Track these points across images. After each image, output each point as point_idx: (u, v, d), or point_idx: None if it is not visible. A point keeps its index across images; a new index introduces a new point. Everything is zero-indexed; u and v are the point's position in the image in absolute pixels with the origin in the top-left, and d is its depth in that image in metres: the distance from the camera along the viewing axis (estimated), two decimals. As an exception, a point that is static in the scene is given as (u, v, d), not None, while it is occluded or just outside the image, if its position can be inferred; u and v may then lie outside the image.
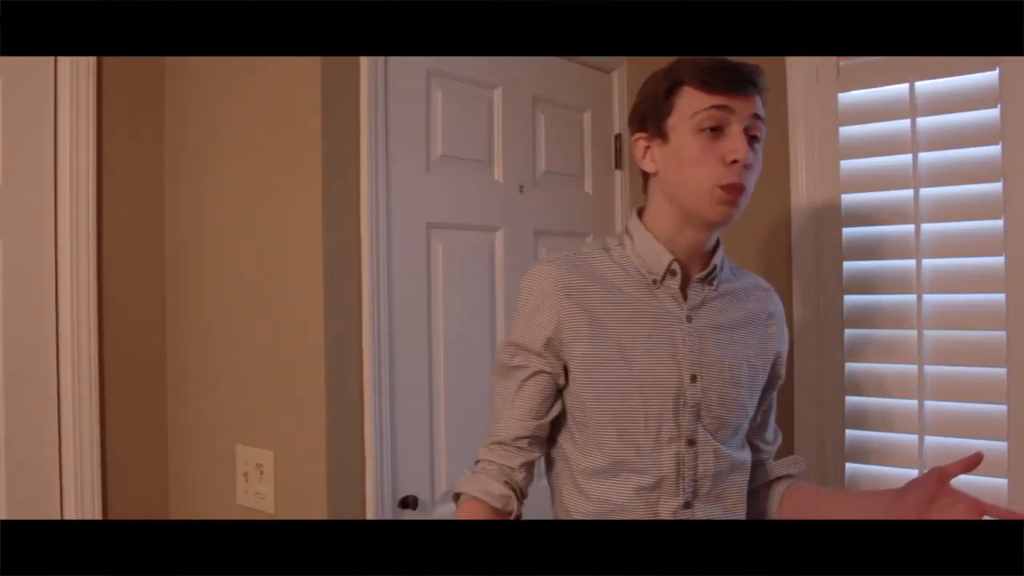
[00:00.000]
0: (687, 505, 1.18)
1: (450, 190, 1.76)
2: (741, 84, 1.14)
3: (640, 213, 1.26)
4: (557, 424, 1.25)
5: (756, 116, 1.15)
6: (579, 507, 1.21)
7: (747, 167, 1.14)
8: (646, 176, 1.25)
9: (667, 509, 1.18)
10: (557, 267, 1.21)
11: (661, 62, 1.23)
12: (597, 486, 1.19)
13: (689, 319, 1.20)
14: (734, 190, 1.13)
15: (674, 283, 1.20)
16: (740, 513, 1.24)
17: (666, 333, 1.18)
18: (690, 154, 1.15)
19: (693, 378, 1.18)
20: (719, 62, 1.15)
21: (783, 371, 1.33)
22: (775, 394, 1.35)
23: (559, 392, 1.24)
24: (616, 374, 1.17)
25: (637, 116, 1.23)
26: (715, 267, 1.22)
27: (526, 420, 1.21)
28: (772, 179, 1.93)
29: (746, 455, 1.26)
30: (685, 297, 1.21)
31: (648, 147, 1.21)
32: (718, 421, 1.19)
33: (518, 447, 1.22)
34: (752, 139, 1.15)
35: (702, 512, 1.19)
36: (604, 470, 1.18)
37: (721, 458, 1.19)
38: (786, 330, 1.34)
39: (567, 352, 1.19)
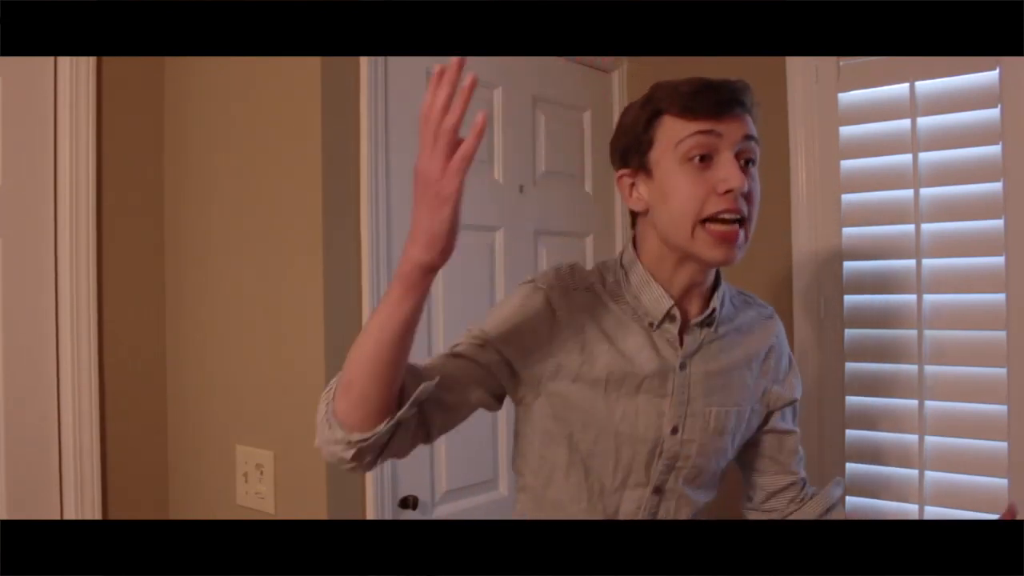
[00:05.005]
0: None
1: (450, 190, 1.76)
2: (726, 105, 1.02)
3: (635, 244, 1.14)
4: (519, 447, 1.17)
5: (748, 137, 1.04)
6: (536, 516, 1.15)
7: (744, 196, 1.02)
8: (634, 213, 1.14)
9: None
10: (556, 293, 1.09)
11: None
12: (556, 512, 1.13)
13: (683, 366, 1.10)
14: (730, 235, 1.02)
15: (672, 328, 1.10)
16: None
17: (656, 383, 1.08)
18: (677, 187, 1.03)
19: (674, 430, 1.09)
20: (700, 83, 1.03)
21: (790, 393, 1.22)
22: (791, 416, 1.23)
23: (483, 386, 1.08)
24: (595, 416, 1.08)
25: (618, 151, 1.11)
26: (714, 310, 1.11)
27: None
28: (772, 179, 1.93)
29: (712, 494, 1.19)
30: (681, 343, 1.10)
31: (633, 183, 1.10)
32: (695, 470, 1.12)
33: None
34: (747, 163, 1.04)
35: None
36: (563, 502, 1.12)
37: (685, 505, 1.14)
38: (787, 349, 1.24)
39: (543, 377, 1.08)
